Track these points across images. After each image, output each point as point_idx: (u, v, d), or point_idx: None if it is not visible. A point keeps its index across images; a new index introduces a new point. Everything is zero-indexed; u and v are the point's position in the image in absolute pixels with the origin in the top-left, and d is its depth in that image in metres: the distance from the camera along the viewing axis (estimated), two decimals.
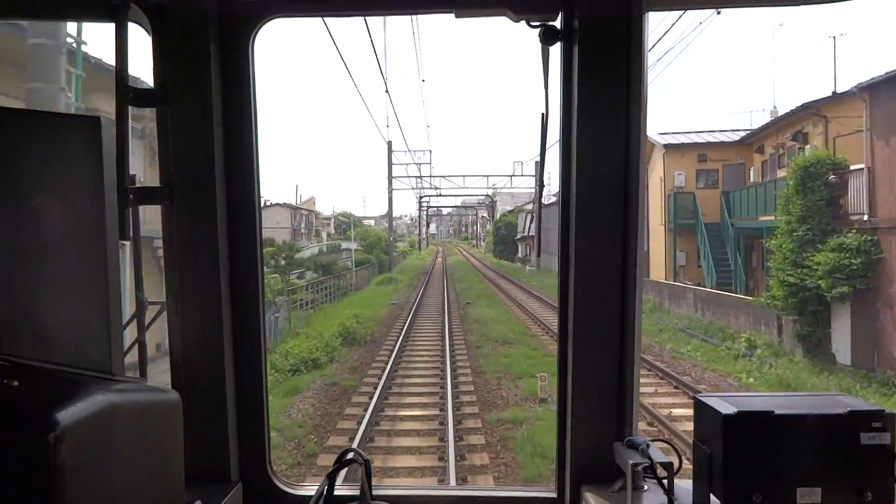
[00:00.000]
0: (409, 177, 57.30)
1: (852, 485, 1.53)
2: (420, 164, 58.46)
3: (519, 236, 71.34)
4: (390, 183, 56.01)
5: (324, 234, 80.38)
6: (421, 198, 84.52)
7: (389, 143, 54.37)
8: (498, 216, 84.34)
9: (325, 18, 10.93)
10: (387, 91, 36.77)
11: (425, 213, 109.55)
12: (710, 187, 30.38)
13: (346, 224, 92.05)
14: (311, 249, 55.01)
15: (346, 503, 1.89)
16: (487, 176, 57.03)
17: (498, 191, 77.78)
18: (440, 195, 78.73)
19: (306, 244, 62.48)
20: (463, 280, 45.82)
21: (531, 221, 62.98)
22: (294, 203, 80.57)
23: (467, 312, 26.43)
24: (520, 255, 66.23)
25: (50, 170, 1.39)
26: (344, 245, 62.33)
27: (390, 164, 55.33)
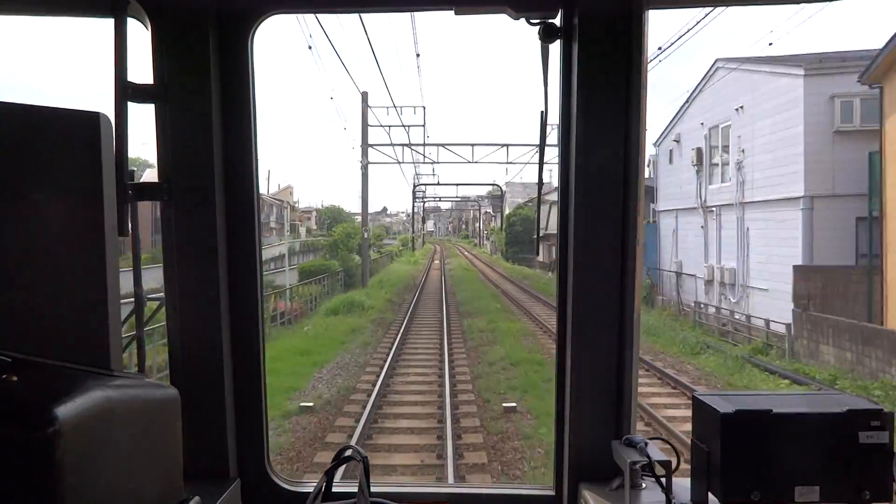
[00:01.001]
0: (393, 145, 40.53)
1: (850, 483, 1.55)
2: (409, 126, 39.78)
3: (542, 234, 48.13)
4: (365, 154, 39.20)
5: (302, 230, 70.77)
6: (416, 186, 70.36)
7: (364, 95, 38.05)
8: (508, 210, 71.21)
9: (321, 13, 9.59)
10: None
11: (420, 204, 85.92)
12: None
13: (330, 218, 78.87)
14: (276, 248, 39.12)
15: (345, 500, 1.88)
16: (507, 145, 34.44)
17: (509, 181, 67.69)
18: (438, 183, 65.23)
19: (276, 241, 49.00)
20: (476, 308, 27.39)
21: None
22: (264, 192, 58.41)
23: None
24: (541, 258, 52.23)
25: (49, 165, 1.44)
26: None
27: (365, 123, 38.35)
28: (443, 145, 40.33)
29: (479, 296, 32.06)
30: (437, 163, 40.35)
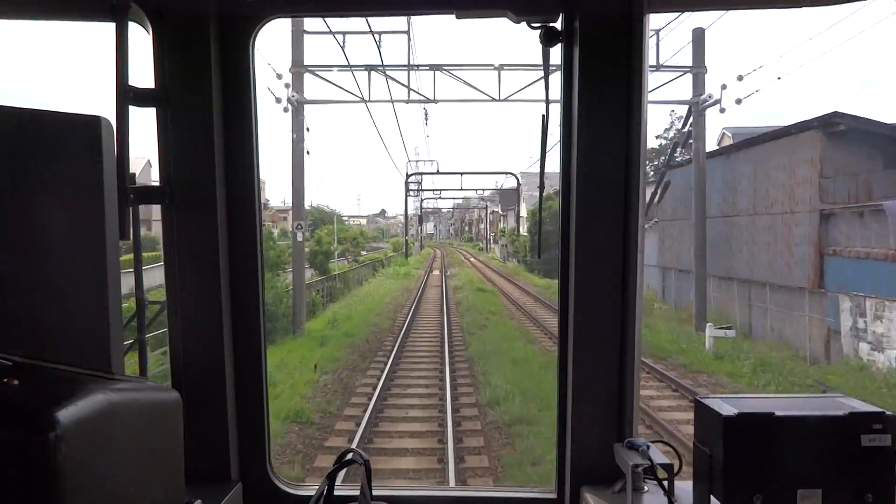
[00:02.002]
0: (352, 68, 20.79)
1: (853, 486, 1.59)
2: (382, 34, 20.29)
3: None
4: (297, 84, 21.48)
5: (275, 231, 55.49)
6: (409, 176, 53.01)
7: None
8: (525, 207, 57.57)
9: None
10: None
11: (417, 198, 73.65)
12: None
13: (312, 220, 59.30)
14: None
15: (346, 503, 1.95)
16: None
17: (524, 171, 55.90)
18: (438, 171, 50.57)
19: None
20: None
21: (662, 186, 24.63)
22: None
23: None
24: None
25: (51, 169, 1.50)
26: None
27: (298, 29, 21.31)
28: (442, 67, 20.60)
29: (538, 380, 12.19)
30: (435, 102, 20.78)
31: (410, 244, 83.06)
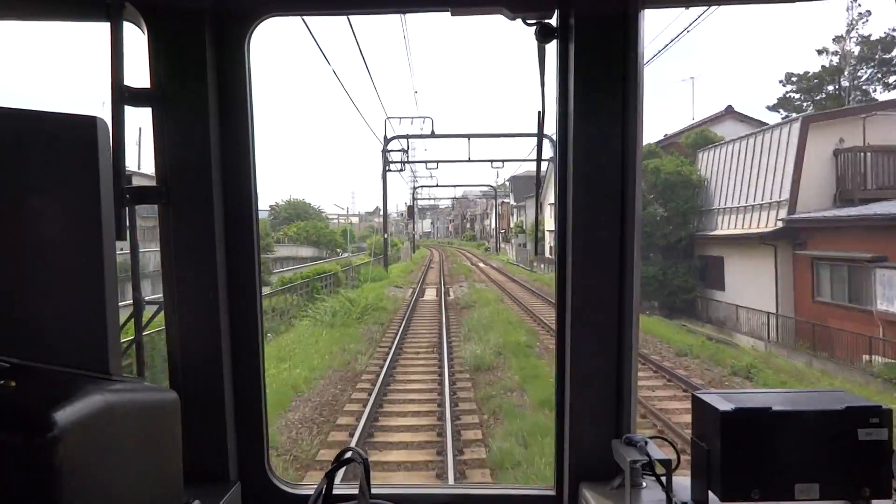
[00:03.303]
0: None
1: (850, 480, 1.63)
2: None
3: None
4: None
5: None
6: (388, 140, 35.60)
7: None
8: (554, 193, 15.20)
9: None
10: None
11: (403, 171, 46.21)
12: None
13: (277, 216, 55.59)
14: None
15: (345, 502, 2.00)
16: None
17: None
18: (433, 134, 32.26)
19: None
20: None
21: None
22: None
23: None
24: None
25: (46, 170, 1.52)
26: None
27: None
28: None
29: None
30: None
31: (396, 245, 59.64)
